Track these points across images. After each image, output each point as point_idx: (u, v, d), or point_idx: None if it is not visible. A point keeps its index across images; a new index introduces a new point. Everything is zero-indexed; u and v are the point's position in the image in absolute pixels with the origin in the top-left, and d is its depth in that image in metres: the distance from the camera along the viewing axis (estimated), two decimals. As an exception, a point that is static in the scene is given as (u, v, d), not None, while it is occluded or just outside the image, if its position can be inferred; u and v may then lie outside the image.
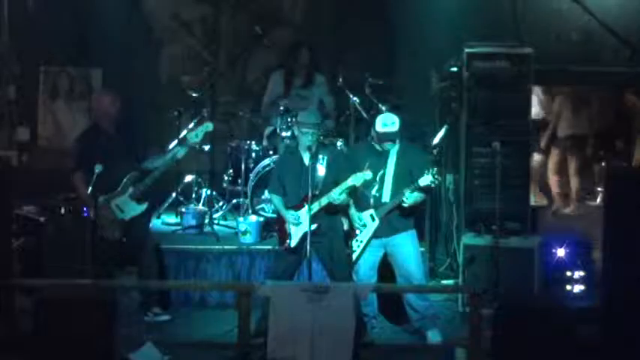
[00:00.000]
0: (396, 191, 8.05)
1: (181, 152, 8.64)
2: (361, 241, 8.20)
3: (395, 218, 8.13)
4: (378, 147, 8.14)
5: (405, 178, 8.01)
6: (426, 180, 7.86)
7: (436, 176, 7.84)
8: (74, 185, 8.58)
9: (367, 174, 8.04)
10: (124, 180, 8.54)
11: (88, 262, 8.16)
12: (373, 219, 8.14)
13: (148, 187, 8.61)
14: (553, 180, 11.44)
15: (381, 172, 8.11)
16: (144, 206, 8.65)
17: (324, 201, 8.00)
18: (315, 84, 10.24)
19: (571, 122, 11.25)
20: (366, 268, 8.23)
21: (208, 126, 8.73)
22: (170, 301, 8.98)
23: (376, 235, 8.17)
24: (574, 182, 11.42)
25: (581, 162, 11.52)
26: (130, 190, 8.56)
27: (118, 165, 8.50)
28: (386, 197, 8.11)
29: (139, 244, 8.65)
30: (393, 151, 8.14)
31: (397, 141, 8.13)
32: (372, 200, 8.17)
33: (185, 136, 9.00)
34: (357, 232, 8.20)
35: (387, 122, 8.05)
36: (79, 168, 8.51)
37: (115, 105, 8.65)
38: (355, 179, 7.98)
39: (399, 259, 8.20)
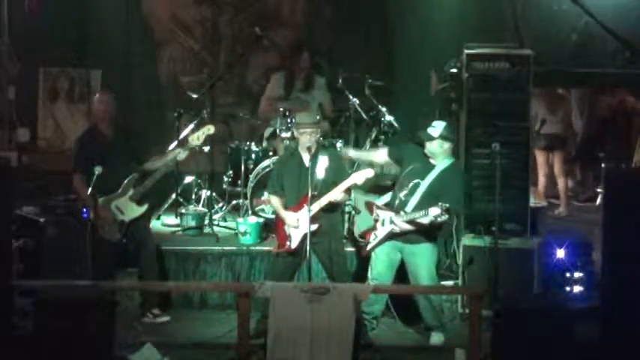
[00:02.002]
0: (420, 205, 8.06)
1: (182, 154, 8.64)
2: (376, 236, 8.26)
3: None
4: (429, 159, 8.19)
5: (433, 195, 8.00)
6: (435, 210, 7.84)
7: (444, 212, 7.79)
8: (74, 187, 8.58)
9: (369, 171, 8.07)
10: (125, 182, 8.54)
11: (88, 263, 8.17)
12: (391, 222, 8.16)
13: (149, 189, 8.62)
14: (541, 181, 11.46)
15: (417, 181, 8.13)
16: (144, 208, 8.66)
17: (323, 201, 8.00)
18: (315, 87, 10.24)
19: (547, 122, 11.26)
20: (382, 267, 8.27)
21: (210, 128, 8.74)
22: (170, 302, 8.98)
23: (394, 236, 8.20)
24: (561, 182, 11.43)
25: (563, 161, 11.53)
26: (131, 191, 8.56)
27: (117, 166, 8.50)
28: (409, 207, 8.12)
29: (139, 245, 8.65)
30: (439, 167, 8.17)
31: (441, 155, 8.16)
32: (397, 202, 8.21)
33: (186, 139, 8.99)
34: (378, 225, 8.26)
35: (433, 124, 8.21)
36: (77, 170, 8.51)
37: (114, 107, 8.65)
38: (357, 177, 8.01)
39: (411, 269, 8.26)
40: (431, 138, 8.13)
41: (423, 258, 8.19)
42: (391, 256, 8.27)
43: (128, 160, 8.62)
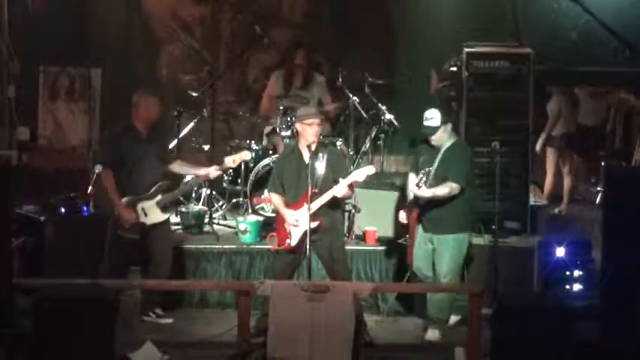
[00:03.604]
0: (432, 187, 8.18)
1: (215, 173, 8.60)
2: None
3: (439, 216, 8.23)
4: (433, 146, 8.28)
5: (441, 176, 8.13)
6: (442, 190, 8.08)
7: (422, 178, 8.00)
8: (102, 183, 8.43)
9: (370, 168, 8.09)
10: (156, 186, 8.48)
11: (89, 260, 8.17)
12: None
13: (176, 199, 8.58)
14: (549, 180, 11.46)
15: (428, 169, 8.22)
16: (167, 216, 8.60)
17: (324, 198, 7.99)
18: (313, 84, 10.25)
19: (566, 121, 11.28)
20: (421, 257, 8.35)
21: (247, 154, 8.69)
22: (181, 302, 8.96)
23: (424, 228, 8.29)
24: (567, 182, 11.44)
25: (574, 161, 11.54)
26: (159, 197, 8.48)
27: (150, 167, 8.44)
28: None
29: (155, 251, 8.56)
30: (443, 148, 8.25)
31: (447, 138, 8.23)
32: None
33: (223, 159, 8.84)
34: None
35: (427, 116, 8.24)
36: (109, 166, 8.40)
37: (158, 109, 8.59)
38: (358, 174, 8.00)
39: (435, 258, 8.31)
40: (435, 130, 8.17)
41: (447, 249, 8.24)
42: (425, 247, 8.35)
43: (159, 160, 8.57)
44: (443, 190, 8.07)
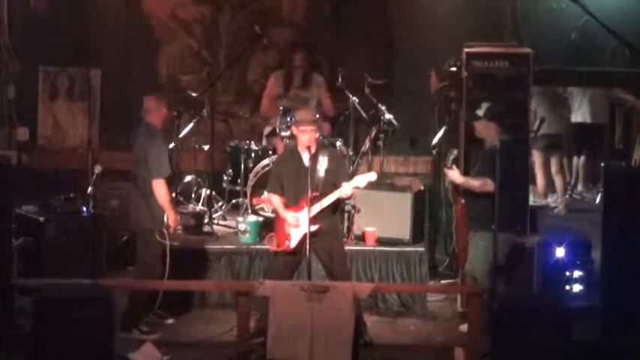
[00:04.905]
0: None
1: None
2: None
3: (471, 212, 8.40)
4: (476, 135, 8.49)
5: (483, 172, 8.28)
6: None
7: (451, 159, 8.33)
8: (158, 194, 8.15)
9: (371, 175, 8.08)
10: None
11: (89, 261, 8.17)
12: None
13: None
14: (539, 181, 11.47)
15: (456, 151, 8.55)
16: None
17: (326, 202, 7.97)
18: (313, 84, 10.26)
19: (547, 122, 11.27)
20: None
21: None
22: (175, 302, 8.96)
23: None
24: (557, 182, 11.46)
25: (561, 161, 11.56)
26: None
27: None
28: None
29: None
30: (487, 145, 8.38)
31: (493, 137, 8.33)
32: None
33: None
34: None
35: (481, 105, 8.46)
36: (166, 174, 8.20)
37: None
38: (360, 181, 7.98)
39: None
40: (476, 118, 8.33)
41: (473, 246, 8.36)
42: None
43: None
44: (476, 181, 8.20)
